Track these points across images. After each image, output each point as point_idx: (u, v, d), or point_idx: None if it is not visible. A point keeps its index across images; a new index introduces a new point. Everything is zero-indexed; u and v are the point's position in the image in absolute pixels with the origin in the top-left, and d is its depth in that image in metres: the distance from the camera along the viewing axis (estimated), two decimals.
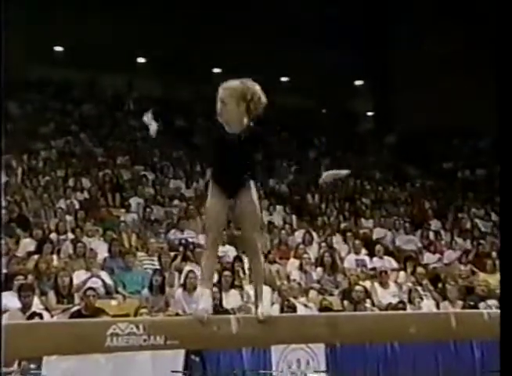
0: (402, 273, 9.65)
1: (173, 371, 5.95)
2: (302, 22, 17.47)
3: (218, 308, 7.57)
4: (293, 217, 12.44)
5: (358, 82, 21.92)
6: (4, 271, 7.85)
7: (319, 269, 9.35)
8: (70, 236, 9.62)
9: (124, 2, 16.74)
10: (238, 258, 9.41)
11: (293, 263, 9.71)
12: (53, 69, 17.64)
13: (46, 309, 7.16)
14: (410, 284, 9.01)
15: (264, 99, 3.41)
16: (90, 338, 3.21)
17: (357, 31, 18.94)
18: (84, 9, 16.62)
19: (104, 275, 8.29)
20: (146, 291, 7.97)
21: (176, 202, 12.20)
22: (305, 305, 8.04)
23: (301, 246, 10.14)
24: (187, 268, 8.57)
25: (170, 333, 3.32)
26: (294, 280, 8.91)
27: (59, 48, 19.55)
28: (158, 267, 8.75)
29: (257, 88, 3.40)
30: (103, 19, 17.17)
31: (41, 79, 17.58)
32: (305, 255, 9.60)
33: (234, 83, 3.36)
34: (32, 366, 5.40)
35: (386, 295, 8.71)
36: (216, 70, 21.29)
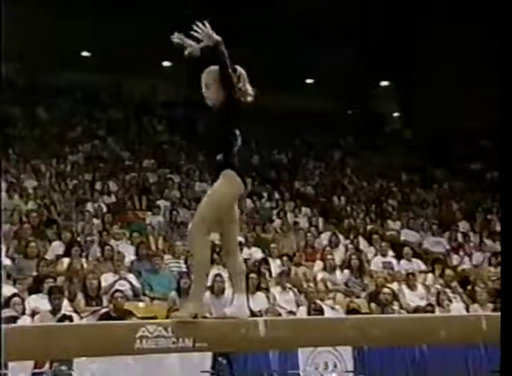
0: (430, 276, 9.57)
1: (203, 371, 5.97)
2: (326, 22, 17.41)
3: None
4: (320, 219, 12.40)
5: (383, 83, 21.78)
6: (34, 273, 7.97)
7: (346, 271, 9.31)
8: (98, 239, 9.70)
9: (150, 7, 16.85)
10: (264, 261, 9.42)
11: (319, 265, 9.68)
12: (80, 74, 17.84)
13: (75, 311, 7.24)
14: (439, 287, 8.92)
15: (247, 84, 3.58)
16: (120, 340, 3.25)
17: (382, 31, 18.81)
18: (110, 13, 16.77)
19: (131, 277, 8.34)
20: (173, 294, 8.01)
21: None
22: (332, 308, 8.01)
23: (328, 248, 10.11)
24: (214, 271, 8.59)
25: (198, 335, 3.34)
26: (321, 283, 8.89)
27: (86, 54, 19.77)
28: (185, 270, 8.78)
29: (238, 68, 3.57)
30: (129, 23, 17.31)
31: (68, 84, 17.79)
32: (331, 257, 9.57)
33: (215, 67, 3.53)
34: (63, 368, 5.47)
35: (414, 298, 8.64)
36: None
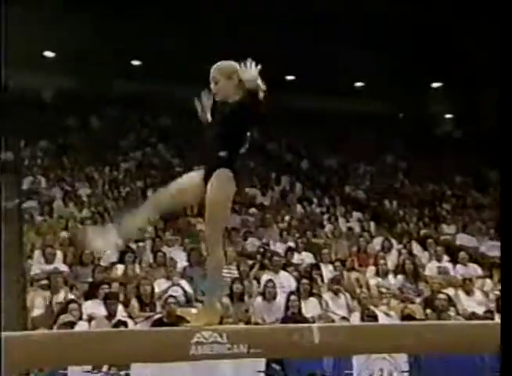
0: (488, 281, 9.31)
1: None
2: (375, 25, 17.24)
3: (297, 316, 7.54)
4: (371, 223, 12.25)
5: (435, 84, 21.42)
6: (90, 280, 8.12)
7: (400, 276, 9.15)
8: (151, 245, 9.81)
9: (198, 15, 17.02)
10: (315, 266, 9.36)
11: (372, 270, 9.55)
12: (131, 82, 18.16)
13: (130, 316, 7.33)
14: (498, 293, 8.66)
15: (255, 73, 3.38)
16: (175, 346, 3.28)
17: (433, 32, 18.49)
18: (159, 21, 17.01)
19: (184, 283, 8.39)
20: (225, 300, 8.02)
21: (252, 210, 12.26)
22: (386, 314, 7.88)
23: (381, 253, 9.97)
24: (265, 276, 8.59)
25: (253, 341, 3.33)
26: (374, 288, 8.76)
27: (136, 62, 20.13)
28: (237, 275, 8.80)
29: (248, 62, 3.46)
30: (178, 31, 17.53)
31: (120, 93, 18.13)
32: (384, 262, 9.43)
33: (223, 62, 3.50)
34: (122, 373, 5.54)
35: (471, 303, 8.43)
36: (289, 78, 21.34)
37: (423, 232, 11.80)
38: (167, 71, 17.56)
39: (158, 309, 7.67)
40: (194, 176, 3.51)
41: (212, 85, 3.48)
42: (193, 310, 8.02)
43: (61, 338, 3.30)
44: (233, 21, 16.78)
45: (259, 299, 8.06)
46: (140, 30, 17.23)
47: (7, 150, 14.19)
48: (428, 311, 8.04)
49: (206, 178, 3.39)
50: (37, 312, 7.38)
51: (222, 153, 3.33)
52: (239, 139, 3.41)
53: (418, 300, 8.64)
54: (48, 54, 19.51)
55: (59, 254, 8.86)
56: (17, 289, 8.62)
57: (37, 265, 8.61)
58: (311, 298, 8.21)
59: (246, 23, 16.67)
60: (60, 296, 7.52)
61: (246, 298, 8.16)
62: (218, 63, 3.49)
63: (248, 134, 3.47)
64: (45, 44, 18.39)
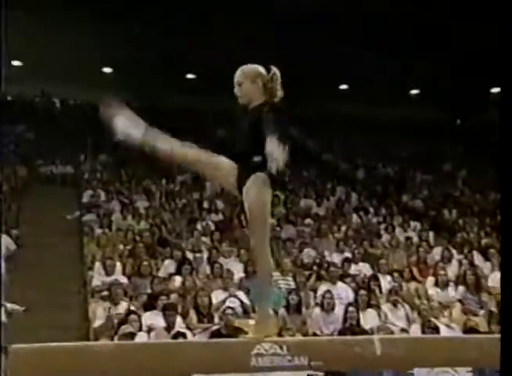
0: None
1: None
2: (428, 33, 16.99)
3: (355, 328, 7.44)
4: (430, 233, 11.99)
5: (494, 90, 20.89)
6: (148, 291, 8.22)
7: (461, 287, 8.90)
8: (207, 256, 9.87)
9: (249, 28, 17.14)
10: (373, 277, 9.22)
11: (431, 281, 9.33)
12: (185, 96, 18.43)
13: (188, 327, 7.38)
14: None
15: (278, 75, 3.43)
16: (235, 357, 3.27)
17: (490, 35, 18.07)
18: (209, 35, 17.22)
19: (241, 295, 8.40)
20: (282, 311, 7.99)
21: (308, 221, 12.20)
22: (448, 326, 7.68)
23: (440, 263, 9.73)
24: (323, 287, 8.51)
25: (314, 353, 3.29)
26: (434, 299, 8.56)
27: (191, 76, 20.43)
28: (293, 286, 8.75)
29: (273, 68, 3.45)
30: (229, 44, 17.70)
31: (179, 107, 18.44)
32: (444, 273, 9.21)
33: (248, 65, 3.49)
34: None
35: None
36: (343, 87, 21.22)
37: (484, 241, 11.47)
38: (220, 84, 17.72)
39: (216, 320, 7.70)
40: (231, 167, 3.48)
41: (236, 88, 3.48)
42: (251, 321, 8.03)
43: (122, 349, 3.35)
44: (282, 33, 16.83)
45: (317, 310, 7.99)
46: (192, 44, 17.48)
47: (67, 163, 14.60)
48: (493, 324, 7.79)
49: (239, 181, 3.37)
50: (98, 323, 7.52)
51: (256, 158, 3.27)
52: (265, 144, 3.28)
53: (481, 312, 8.39)
54: (106, 70, 20.04)
55: (119, 265, 9.01)
56: (79, 300, 8.82)
57: (97, 277, 8.77)
58: (370, 310, 8.08)
59: (296, 36, 16.70)
60: (120, 307, 7.63)
61: (303, 309, 8.10)
62: (243, 67, 3.49)
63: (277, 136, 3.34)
64: (102, 60, 18.89)
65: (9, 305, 8.15)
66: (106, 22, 16.56)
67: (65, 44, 17.18)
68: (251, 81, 3.43)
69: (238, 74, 3.48)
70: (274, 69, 3.46)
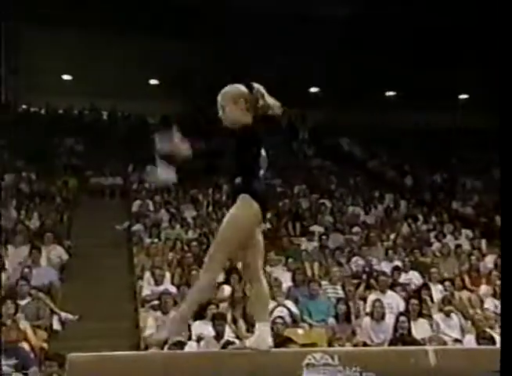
0: None
1: None
2: (471, 39, 16.70)
3: (407, 338, 7.30)
4: (482, 241, 11.71)
5: None
6: None
7: None
8: None
9: (294, 39, 17.17)
10: (425, 286, 9.05)
11: (485, 290, 9.10)
12: None
13: (237, 337, 7.38)
14: None
15: (268, 97, 3.37)
16: (286, 367, 3.23)
17: None
18: (258, 46, 17.30)
19: (289, 304, 8.36)
20: (331, 320, 7.92)
21: (356, 229, 12.08)
22: None
23: (494, 272, 9.48)
24: (372, 296, 8.39)
25: (365, 364, 3.24)
26: (489, 309, 8.34)
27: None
28: (342, 295, 8.67)
29: (255, 85, 3.40)
30: (275, 55, 17.77)
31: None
32: (499, 282, 8.96)
33: (227, 87, 3.42)
34: None
35: None
36: (390, 93, 21.03)
37: None
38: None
39: None
40: None
41: (220, 112, 3.42)
42: (300, 331, 8.03)
43: (173, 358, 3.37)
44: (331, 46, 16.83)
45: (366, 320, 7.88)
46: (241, 55, 17.61)
47: (116, 175, 14.84)
48: None
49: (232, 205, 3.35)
50: (148, 332, 7.59)
51: (237, 180, 3.29)
52: (248, 164, 3.33)
53: None
54: (153, 81, 20.37)
55: (168, 275, 9.09)
56: (129, 309, 8.92)
57: (147, 286, 8.87)
58: (421, 319, 7.93)
59: (348, 47, 16.64)
60: (170, 316, 7.68)
61: (352, 318, 8.00)
62: (223, 90, 3.44)
63: (264, 154, 3.41)
64: (149, 72, 19.21)
65: (63, 314, 8.32)
66: (153, 35, 16.86)
67: (113, 57, 17.55)
68: (233, 102, 3.38)
69: (219, 99, 3.43)
70: (256, 86, 3.40)
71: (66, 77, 19.84)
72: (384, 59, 17.38)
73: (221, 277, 9.18)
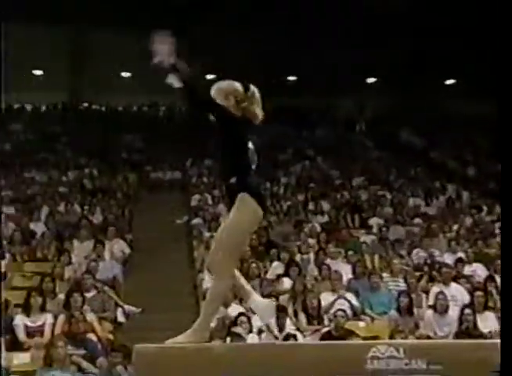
0: None
1: None
2: None
3: (472, 331, 7.13)
4: None
5: None
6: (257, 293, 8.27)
7: None
8: (314, 258, 9.81)
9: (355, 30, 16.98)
10: (490, 278, 8.80)
11: None
12: (287, 97, 18.50)
13: (298, 329, 7.37)
14: None
15: (257, 104, 3.41)
16: (351, 360, 3.22)
17: None
18: (314, 36, 17.19)
19: (350, 296, 8.29)
20: (393, 313, 7.80)
21: (417, 220, 11.86)
22: None
23: None
24: (435, 289, 8.23)
25: (432, 357, 3.20)
26: None
27: (292, 78, 20.51)
28: (404, 288, 8.53)
29: (251, 87, 3.41)
30: (333, 46, 17.62)
31: (276, 108, 18.50)
32: None
33: (220, 82, 3.45)
34: None
35: None
36: (449, 82, 20.54)
37: None
38: (323, 85, 17.69)
39: (325, 322, 7.64)
40: None
41: None
42: (361, 323, 7.95)
43: (237, 350, 3.44)
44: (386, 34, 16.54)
45: (430, 312, 7.73)
46: (295, 46, 17.53)
47: (175, 169, 15.05)
48: None
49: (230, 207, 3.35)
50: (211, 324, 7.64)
51: (232, 180, 3.29)
52: (240, 162, 3.32)
53: None
54: (210, 76, 20.52)
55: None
56: (191, 302, 9.03)
57: (207, 279, 8.94)
58: (487, 312, 7.71)
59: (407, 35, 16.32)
60: (231, 309, 7.72)
61: (415, 311, 7.86)
62: (215, 85, 3.43)
63: (252, 148, 3.38)
64: (204, 66, 19.35)
65: (127, 307, 8.50)
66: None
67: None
68: (224, 97, 3.38)
69: (212, 92, 3.43)
70: (252, 88, 3.41)
71: (125, 74, 20.23)
72: (444, 47, 16.98)
73: (280, 270, 9.21)
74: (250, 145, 3.40)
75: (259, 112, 3.44)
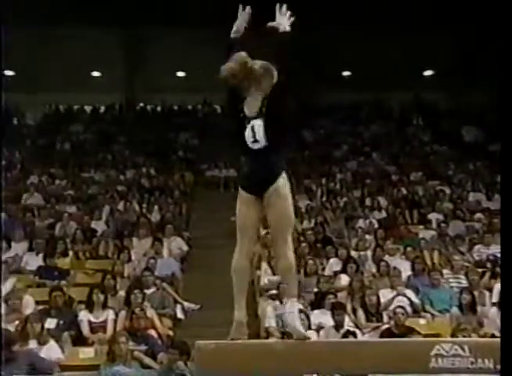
0: None
1: None
2: None
3: None
4: None
5: None
6: (315, 290, 8.25)
7: None
8: (372, 254, 9.70)
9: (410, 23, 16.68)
10: None
11: None
12: (342, 93, 18.33)
13: (357, 326, 7.31)
14: None
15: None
16: (414, 357, 3.19)
17: None
18: (369, 32, 16.99)
19: (410, 293, 8.17)
20: (455, 310, 7.65)
21: (478, 216, 11.57)
22: None
23: None
24: (499, 286, 8.00)
25: (499, 357, 3.10)
26: None
27: (346, 73, 20.32)
28: (465, 285, 8.35)
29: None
30: (388, 38, 17.36)
31: (331, 104, 18.40)
32: None
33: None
34: None
35: None
36: None
37: None
38: (375, 80, 17.46)
39: (385, 319, 7.56)
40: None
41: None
42: (422, 321, 7.81)
43: (296, 347, 3.37)
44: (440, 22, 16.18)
45: (494, 310, 7.54)
46: (349, 41, 17.35)
47: (230, 167, 15.13)
48: None
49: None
50: (268, 321, 7.66)
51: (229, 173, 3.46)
52: (235, 152, 3.56)
53: None
54: None
55: None
56: (248, 299, 9.03)
57: (264, 276, 8.97)
58: None
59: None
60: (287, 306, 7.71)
61: (478, 308, 7.67)
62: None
63: (244, 141, 3.47)
64: None
65: (186, 304, 8.61)
66: None
67: (221, 53, 17.86)
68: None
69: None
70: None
71: (180, 74, 20.46)
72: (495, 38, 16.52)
73: (337, 266, 9.15)
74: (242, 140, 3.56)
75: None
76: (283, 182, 3.46)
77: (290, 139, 3.60)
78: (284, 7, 3.62)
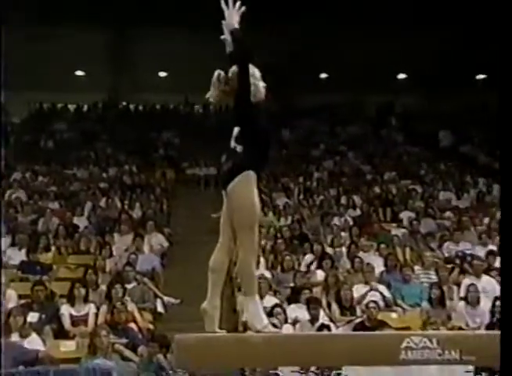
0: None
1: None
2: None
3: None
4: None
5: None
6: (291, 285, 8.53)
7: None
8: (346, 251, 10.00)
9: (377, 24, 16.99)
10: None
11: None
12: (319, 94, 18.62)
13: (331, 320, 7.59)
14: None
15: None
16: (385, 350, 3.33)
17: None
18: (344, 35, 17.27)
19: (382, 288, 8.46)
20: (425, 304, 7.98)
21: (448, 214, 11.97)
22: None
23: None
24: (467, 281, 8.38)
25: (465, 348, 3.28)
26: None
27: (324, 75, 20.60)
28: (435, 280, 8.69)
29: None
30: (361, 40, 17.65)
31: (309, 105, 18.69)
32: None
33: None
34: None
35: None
36: (480, 76, 20.43)
37: None
38: (353, 81, 17.76)
39: (358, 313, 7.84)
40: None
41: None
42: (394, 314, 8.13)
43: (274, 340, 3.51)
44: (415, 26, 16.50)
45: (461, 304, 7.89)
46: (326, 44, 17.61)
47: (210, 165, 15.33)
48: None
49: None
50: (245, 316, 7.89)
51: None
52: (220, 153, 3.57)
53: None
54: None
55: (262, 260, 9.40)
56: (227, 294, 9.30)
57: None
58: None
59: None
60: (265, 301, 7.97)
61: (447, 303, 8.03)
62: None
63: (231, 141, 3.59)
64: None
65: (166, 298, 8.82)
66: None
67: (205, 54, 18.03)
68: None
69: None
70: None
71: (162, 74, 20.57)
72: (472, 43, 16.90)
73: (313, 262, 9.43)
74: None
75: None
76: (241, 179, 3.49)
77: (265, 139, 3.64)
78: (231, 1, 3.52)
